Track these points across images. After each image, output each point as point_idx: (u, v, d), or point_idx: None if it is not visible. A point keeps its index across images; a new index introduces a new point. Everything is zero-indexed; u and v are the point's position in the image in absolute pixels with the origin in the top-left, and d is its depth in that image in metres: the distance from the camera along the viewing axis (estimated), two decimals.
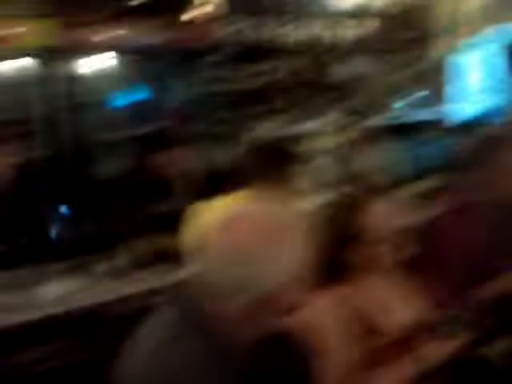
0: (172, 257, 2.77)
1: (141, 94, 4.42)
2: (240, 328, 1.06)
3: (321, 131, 5.45)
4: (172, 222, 2.77)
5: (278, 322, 1.05)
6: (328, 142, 5.23)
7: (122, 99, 4.45)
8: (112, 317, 2.44)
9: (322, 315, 1.10)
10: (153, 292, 2.45)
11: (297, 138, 5.31)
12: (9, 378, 2.27)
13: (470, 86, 6.26)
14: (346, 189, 2.51)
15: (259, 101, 5.48)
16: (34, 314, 2.32)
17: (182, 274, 2.35)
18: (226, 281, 1.03)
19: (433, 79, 6.11)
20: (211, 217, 1.89)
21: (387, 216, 1.66)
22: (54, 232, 3.17)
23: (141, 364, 1.09)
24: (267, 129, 5.17)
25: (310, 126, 5.51)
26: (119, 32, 4.12)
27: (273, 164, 2.09)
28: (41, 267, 2.79)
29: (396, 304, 1.68)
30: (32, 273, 2.74)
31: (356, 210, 1.65)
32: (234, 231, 1.06)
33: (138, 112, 4.42)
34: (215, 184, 3.73)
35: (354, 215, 1.64)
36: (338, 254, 1.62)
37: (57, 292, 2.47)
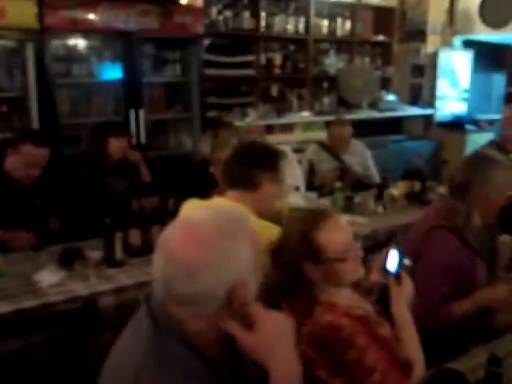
0: None
1: (123, 75, 4.33)
2: (205, 330, 1.10)
3: (311, 122, 5.46)
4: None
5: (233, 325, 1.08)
6: (318, 133, 5.24)
7: (103, 78, 4.40)
8: (107, 306, 2.43)
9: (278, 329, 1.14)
10: (146, 283, 2.44)
11: (288, 128, 5.32)
12: (2, 364, 2.26)
13: (461, 82, 6.31)
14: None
15: (249, 89, 5.45)
16: (29, 302, 2.29)
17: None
18: (181, 291, 1.05)
19: (425, 74, 6.13)
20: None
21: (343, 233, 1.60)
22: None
23: (116, 361, 1.14)
24: (257, 117, 5.15)
25: (301, 116, 5.52)
26: (104, 14, 4.03)
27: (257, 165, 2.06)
28: (35, 253, 2.77)
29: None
30: (26, 259, 2.72)
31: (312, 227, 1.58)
32: (184, 238, 1.07)
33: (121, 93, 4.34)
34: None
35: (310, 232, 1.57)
36: (295, 268, 1.58)
37: (51, 280, 2.44)
